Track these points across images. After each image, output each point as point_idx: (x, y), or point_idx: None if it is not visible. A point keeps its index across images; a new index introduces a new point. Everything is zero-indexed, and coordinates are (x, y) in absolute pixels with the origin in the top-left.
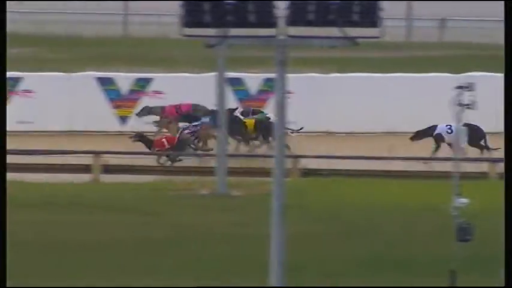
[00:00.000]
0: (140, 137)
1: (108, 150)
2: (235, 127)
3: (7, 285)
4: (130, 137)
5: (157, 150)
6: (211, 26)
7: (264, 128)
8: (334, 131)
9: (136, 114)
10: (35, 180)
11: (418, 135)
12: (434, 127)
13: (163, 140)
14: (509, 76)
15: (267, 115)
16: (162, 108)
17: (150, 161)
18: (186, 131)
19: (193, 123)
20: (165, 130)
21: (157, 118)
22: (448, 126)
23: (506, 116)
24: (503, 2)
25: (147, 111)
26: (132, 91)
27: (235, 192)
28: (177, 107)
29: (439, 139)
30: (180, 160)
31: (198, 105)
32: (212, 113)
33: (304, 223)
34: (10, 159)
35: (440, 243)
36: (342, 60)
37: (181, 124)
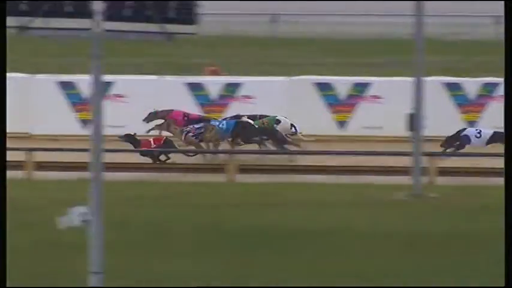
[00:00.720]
0: (128, 137)
1: None
2: (248, 132)
3: (7, 286)
4: (120, 137)
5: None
6: None
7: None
8: None
9: (143, 120)
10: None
11: (448, 142)
12: (463, 129)
13: (150, 140)
14: (509, 78)
15: (277, 118)
16: (169, 112)
17: None
18: (190, 134)
19: (197, 126)
20: (167, 133)
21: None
22: (478, 131)
23: (506, 116)
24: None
25: (153, 116)
26: None
27: None
28: (185, 114)
29: (465, 141)
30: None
31: (205, 116)
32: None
33: None
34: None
35: None
36: None
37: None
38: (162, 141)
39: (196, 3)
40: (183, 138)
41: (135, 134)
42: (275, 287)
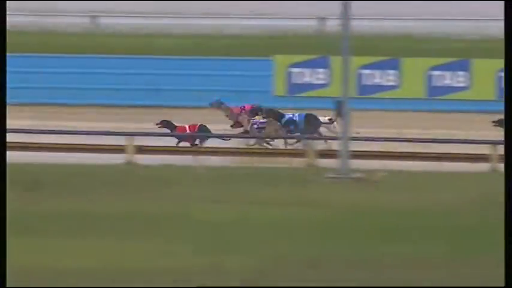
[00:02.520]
0: (166, 122)
1: None
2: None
3: (7, 285)
4: (157, 124)
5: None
6: None
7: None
8: None
9: (210, 104)
10: None
11: (499, 123)
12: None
13: (186, 126)
14: (509, 75)
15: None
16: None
17: None
18: (255, 126)
19: (261, 120)
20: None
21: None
22: None
23: (506, 114)
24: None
25: (219, 104)
26: None
27: None
28: (242, 108)
29: None
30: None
31: (259, 106)
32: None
33: None
34: None
35: None
36: None
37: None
38: (196, 128)
39: None
40: (249, 127)
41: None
42: (286, 287)
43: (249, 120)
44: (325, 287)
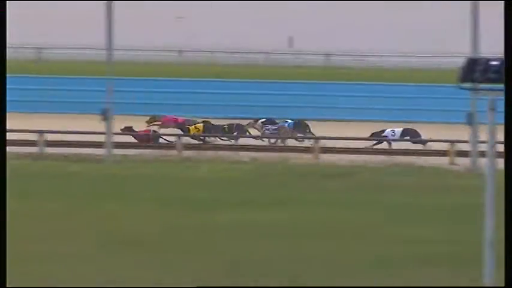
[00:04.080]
0: (128, 129)
1: None
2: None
3: (7, 286)
4: (121, 129)
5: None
6: None
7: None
8: None
9: (146, 122)
10: None
11: (374, 135)
12: (384, 131)
13: (142, 131)
14: (509, 79)
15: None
16: (164, 117)
17: None
18: (268, 131)
19: (274, 126)
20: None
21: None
22: (392, 130)
23: (506, 114)
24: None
25: (154, 119)
26: None
27: None
28: (175, 119)
29: (388, 139)
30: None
31: (189, 119)
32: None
33: None
34: None
35: None
36: None
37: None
38: (149, 132)
39: None
40: (262, 132)
41: (131, 126)
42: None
43: (261, 127)
44: (332, 287)
